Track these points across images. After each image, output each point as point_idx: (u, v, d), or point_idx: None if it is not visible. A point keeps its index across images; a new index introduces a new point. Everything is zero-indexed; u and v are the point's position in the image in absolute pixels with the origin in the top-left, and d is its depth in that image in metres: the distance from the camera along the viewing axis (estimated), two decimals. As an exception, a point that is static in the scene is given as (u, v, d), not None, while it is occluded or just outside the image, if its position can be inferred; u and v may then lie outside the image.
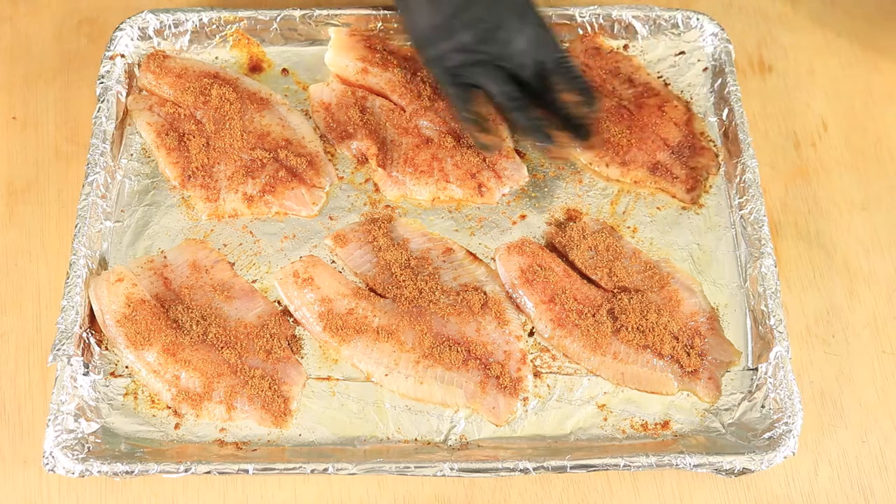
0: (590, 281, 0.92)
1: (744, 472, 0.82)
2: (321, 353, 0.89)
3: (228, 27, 1.05)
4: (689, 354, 0.87)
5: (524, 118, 0.92)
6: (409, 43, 1.03)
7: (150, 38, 1.04)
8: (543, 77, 0.92)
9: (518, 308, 0.91)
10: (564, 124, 0.93)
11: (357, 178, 0.99)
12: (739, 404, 0.87)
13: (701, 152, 0.99)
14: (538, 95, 0.93)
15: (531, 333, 0.90)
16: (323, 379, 0.88)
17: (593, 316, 0.89)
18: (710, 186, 0.98)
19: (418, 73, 1.01)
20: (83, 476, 0.81)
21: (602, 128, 0.99)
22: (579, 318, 0.89)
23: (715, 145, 1.00)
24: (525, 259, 0.92)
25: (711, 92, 1.03)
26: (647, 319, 0.88)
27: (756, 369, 0.88)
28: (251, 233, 0.95)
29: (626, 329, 0.88)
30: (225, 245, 0.94)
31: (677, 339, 0.88)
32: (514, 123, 0.97)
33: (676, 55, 1.06)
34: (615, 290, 0.91)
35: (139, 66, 1.03)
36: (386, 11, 1.04)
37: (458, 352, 0.87)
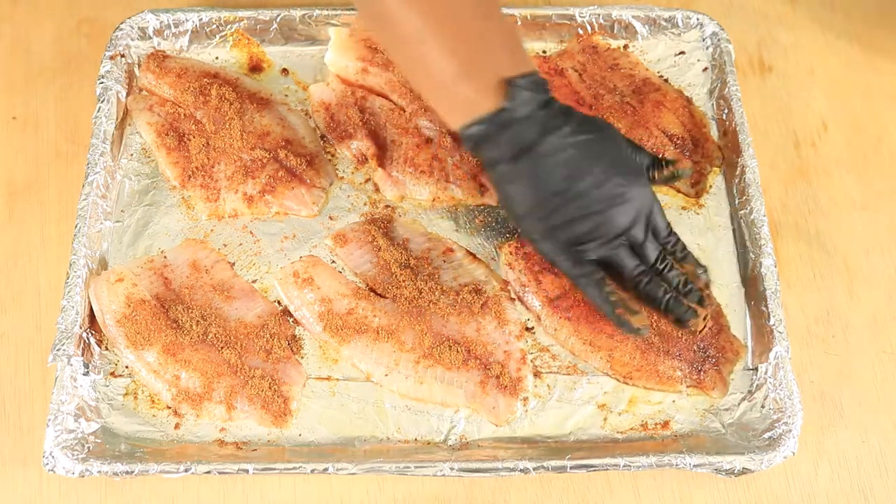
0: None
1: (744, 472, 0.82)
2: (321, 353, 0.89)
3: (228, 27, 1.05)
4: (696, 350, 0.87)
5: (661, 293, 0.83)
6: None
7: (150, 38, 1.04)
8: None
9: (525, 307, 0.91)
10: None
11: (357, 178, 0.99)
12: (739, 404, 0.87)
13: (704, 145, 0.99)
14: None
15: (528, 329, 0.90)
16: (323, 379, 0.88)
17: (601, 314, 0.89)
18: (711, 185, 0.98)
19: (418, 73, 1.01)
20: (83, 476, 0.81)
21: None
22: (587, 317, 0.89)
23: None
24: (532, 257, 0.91)
25: (711, 92, 1.03)
26: (653, 316, 0.88)
27: (756, 369, 0.88)
28: (251, 233, 0.95)
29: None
30: (225, 245, 0.94)
31: (684, 336, 0.88)
32: (649, 300, 0.84)
33: (676, 55, 1.06)
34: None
35: (139, 66, 1.03)
36: (386, 11, 1.04)
37: (458, 352, 0.87)
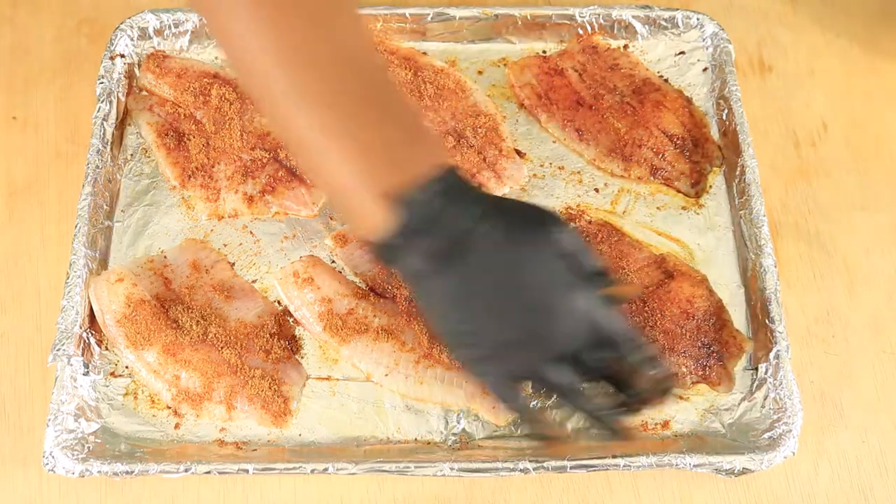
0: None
1: (744, 472, 0.82)
2: (321, 353, 0.89)
3: (228, 27, 1.04)
4: (700, 347, 0.87)
5: (591, 407, 0.78)
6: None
7: (150, 38, 1.04)
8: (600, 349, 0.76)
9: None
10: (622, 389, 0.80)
11: (357, 178, 0.98)
12: (739, 404, 0.87)
13: (704, 145, 0.99)
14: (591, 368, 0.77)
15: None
16: (323, 379, 0.88)
17: None
18: (711, 186, 0.98)
19: (419, 74, 1.01)
20: (83, 476, 0.81)
21: (607, 125, 0.99)
22: None
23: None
24: None
25: (711, 92, 1.03)
26: (657, 315, 0.88)
27: (756, 369, 0.88)
28: (251, 233, 0.95)
29: (637, 326, 0.88)
30: (225, 245, 0.94)
31: (688, 332, 0.88)
32: (580, 412, 0.80)
33: (676, 55, 1.06)
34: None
35: (139, 66, 1.03)
36: (386, 11, 1.04)
37: (458, 352, 0.87)
